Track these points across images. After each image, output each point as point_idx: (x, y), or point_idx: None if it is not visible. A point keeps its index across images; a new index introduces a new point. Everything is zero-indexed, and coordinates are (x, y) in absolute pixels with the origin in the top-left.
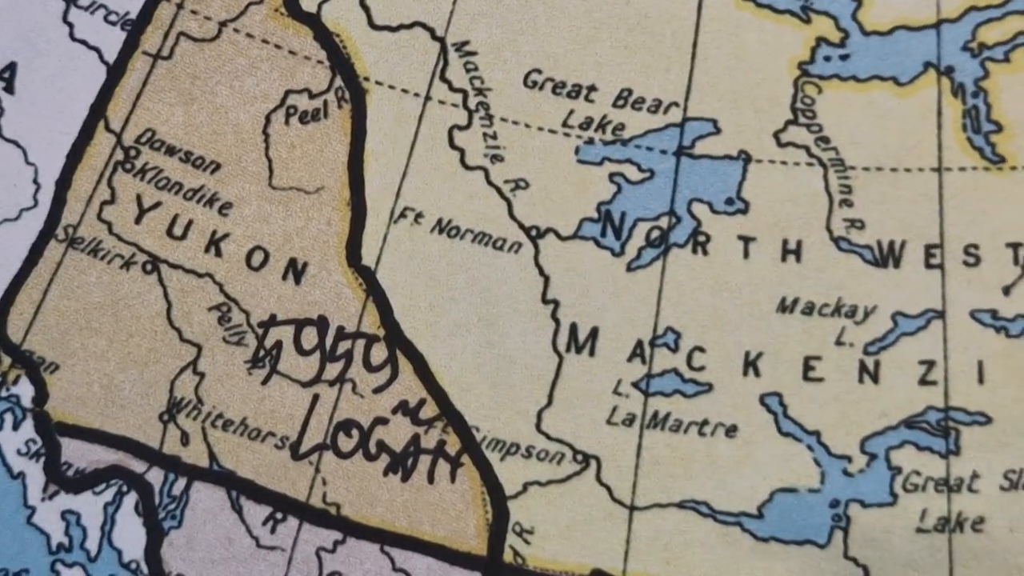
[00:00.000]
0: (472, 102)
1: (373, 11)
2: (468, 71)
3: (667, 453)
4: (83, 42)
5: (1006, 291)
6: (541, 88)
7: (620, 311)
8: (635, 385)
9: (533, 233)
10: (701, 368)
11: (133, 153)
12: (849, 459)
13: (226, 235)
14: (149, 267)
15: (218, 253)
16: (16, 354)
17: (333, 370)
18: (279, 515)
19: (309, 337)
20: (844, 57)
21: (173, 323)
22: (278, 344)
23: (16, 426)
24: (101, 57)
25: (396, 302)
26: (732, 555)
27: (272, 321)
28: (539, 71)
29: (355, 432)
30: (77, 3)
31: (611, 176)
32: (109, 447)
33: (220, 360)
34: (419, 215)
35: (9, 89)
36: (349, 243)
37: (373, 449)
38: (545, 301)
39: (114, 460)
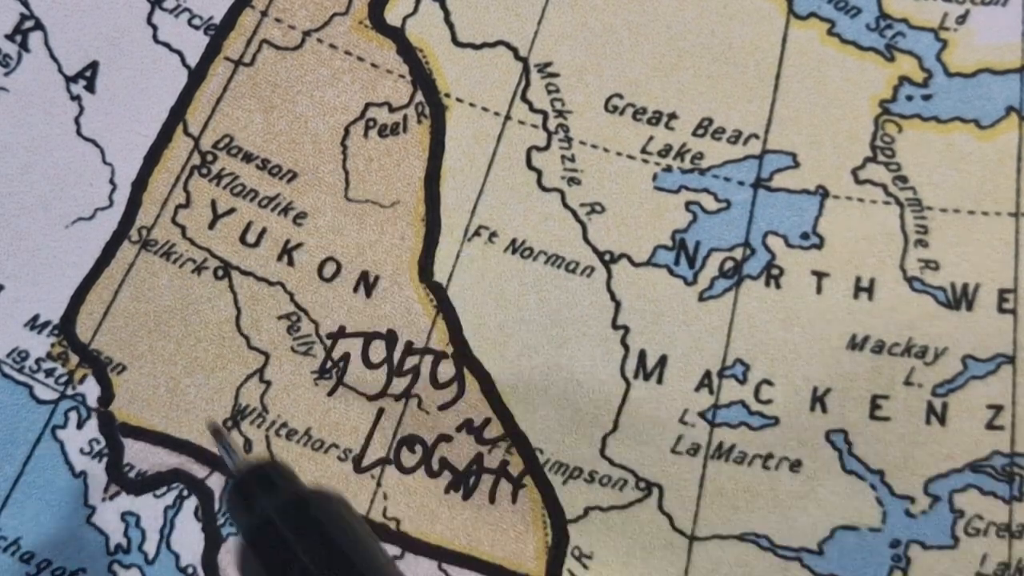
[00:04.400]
0: (552, 124)
1: (457, 28)
2: (549, 92)
3: (730, 485)
4: (166, 45)
5: None
6: (622, 113)
7: (690, 340)
8: (701, 415)
9: (606, 258)
10: (768, 401)
11: (210, 158)
12: (912, 500)
13: (299, 244)
14: (220, 273)
15: (290, 262)
16: (84, 353)
17: (399, 385)
18: None
19: (377, 351)
20: (926, 97)
21: (242, 330)
22: (346, 356)
23: (80, 425)
24: (183, 60)
25: (465, 320)
26: None
27: (341, 333)
28: (620, 96)
29: (418, 448)
30: (162, 5)
31: (687, 205)
32: (172, 450)
33: (287, 369)
34: (493, 234)
35: (90, 88)
36: (422, 259)
37: (436, 466)
38: (615, 326)
39: (176, 464)
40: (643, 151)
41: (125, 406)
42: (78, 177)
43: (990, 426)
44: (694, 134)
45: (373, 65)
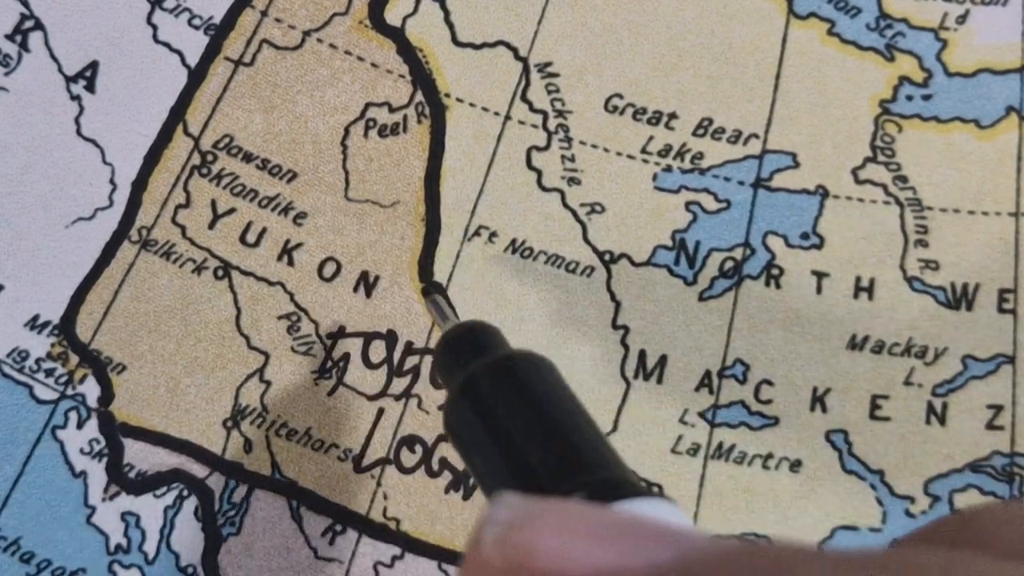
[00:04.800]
0: (552, 124)
1: (457, 28)
2: (549, 92)
3: (730, 485)
4: (166, 44)
5: None
6: (622, 113)
7: (690, 340)
8: (701, 415)
9: (606, 258)
10: (768, 401)
11: (210, 158)
12: (912, 500)
13: (299, 244)
14: (220, 273)
15: (290, 262)
16: (84, 353)
17: (399, 385)
18: (338, 527)
19: (377, 351)
20: (926, 97)
21: (241, 330)
22: (346, 356)
23: (80, 425)
24: (183, 60)
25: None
26: None
27: (341, 333)
28: (620, 96)
29: (418, 448)
30: (162, 5)
31: (687, 205)
32: (172, 450)
33: (287, 369)
34: (493, 234)
35: (90, 88)
36: (422, 259)
37: (436, 466)
38: (615, 326)
39: (176, 464)
40: (643, 151)
41: (125, 406)
42: (78, 177)
43: (990, 426)
44: (694, 134)
45: (373, 65)
